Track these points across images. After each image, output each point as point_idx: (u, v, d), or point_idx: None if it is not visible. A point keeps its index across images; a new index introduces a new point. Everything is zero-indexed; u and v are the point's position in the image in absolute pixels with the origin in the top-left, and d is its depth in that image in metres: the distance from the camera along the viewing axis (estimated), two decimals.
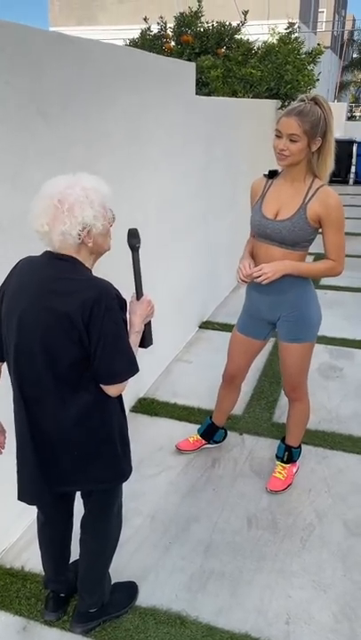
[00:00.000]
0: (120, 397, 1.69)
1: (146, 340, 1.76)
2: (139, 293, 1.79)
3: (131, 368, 1.57)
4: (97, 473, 1.69)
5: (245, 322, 2.60)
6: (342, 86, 28.20)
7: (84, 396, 1.58)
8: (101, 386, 1.57)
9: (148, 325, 1.76)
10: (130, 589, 2.11)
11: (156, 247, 3.45)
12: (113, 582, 2.03)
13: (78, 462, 1.65)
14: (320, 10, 23.93)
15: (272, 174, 2.38)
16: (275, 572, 2.24)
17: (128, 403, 3.37)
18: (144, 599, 2.11)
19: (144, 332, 1.74)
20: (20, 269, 1.60)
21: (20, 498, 1.72)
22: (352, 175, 13.09)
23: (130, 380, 1.59)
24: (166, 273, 3.73)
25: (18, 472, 1.70)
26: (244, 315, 2.61)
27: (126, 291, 1.65)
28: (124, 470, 1.76)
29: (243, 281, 2.33)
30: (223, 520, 2.51)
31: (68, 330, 1.48)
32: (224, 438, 3.03)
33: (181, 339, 4.30)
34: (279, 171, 2.36)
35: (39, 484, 1.66)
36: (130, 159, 2.97)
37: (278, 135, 2.16)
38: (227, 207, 5.04)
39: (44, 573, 2.03)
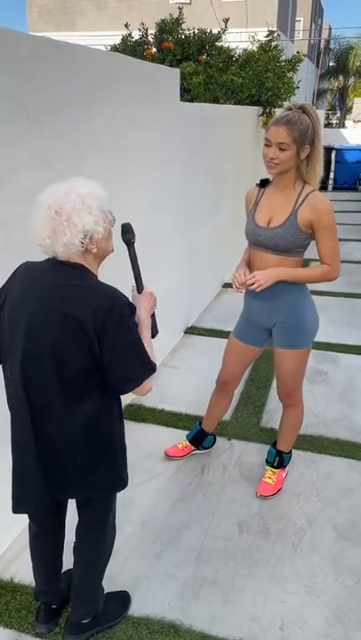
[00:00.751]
0: (120, 404, 1.68)
1: (153, 331, 1.78)
2: (139, 287, 1.80)
3: (146, 369, 1.57)
4: (99, 479, 1.68)
5: (243, 328, 2.60)
6: (319, 94, 28.64)
7: (89, 404, 1.56)
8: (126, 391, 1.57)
9: (152, 316, 1.79)
10: (123, 599, 2.08)
11: (141, 253, 3.44)
12: (105, 592, 2.01)
13: (81, 469, 1.63)
14: (297, 19, 24.31)
15: (264, 183, 2.39)
16: (267, 577, 2.23)
17: None
18: (137, 608, 2.08)
19: (152, 323, 1.78)
20: (20, 274, 1.58)
21: (17, 508, 1.68)
22: (331, 181, 13.29)
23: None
24: (152, 278, 3.70)
25: (15, 480, 1.66)
26: (241, 321, 2.62)
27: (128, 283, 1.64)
28: (123, 476, 1.75)
29: (238, 289, 2.34)
30: (214, 526, 2.50)
31: (78, 334, 1.46)
32: (213, 444, 3.03)
33: (167, 344, 4.29)
34: (270, 179, 2.37)
35: (41, 489, 1.63)
36: (117, 165, 2.96)
37: (268, 144, 2.18)
38: (211, 213, 5.06)
39: (34, 584, 2.00)
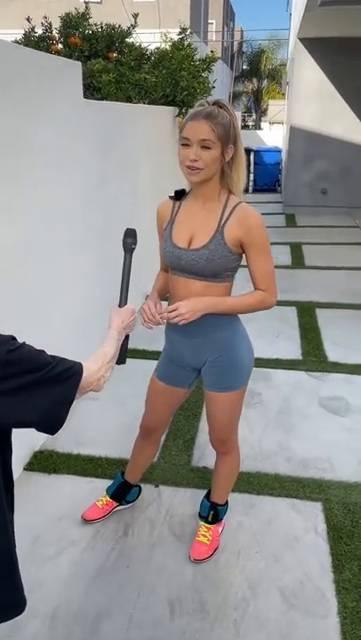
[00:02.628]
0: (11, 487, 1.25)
1: (120, 357, 1.53)
2: (122, 300, 1.67)
3: (68, 386, 1.14)
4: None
5: (166, 368, 2.17)
6: (235, 96, 28.97)
7: None
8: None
9: (125, 340, 1.59)
10: None
11: (46, 268, 2.96)
12: None
13: None
14: (210, 21, 24.38)
15: (179, 195, 1.97)
16: None
17: (21, 459, 2.83)
18: None
19: (121, 346, 1.51)
20: None
21: None
22: (251, 183, 13.26)
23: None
24: (62, 296, 3.25)
25: None
26: (164, 360, 2.18)
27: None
28: (23, 595, 1.30)
29: (147, 325, 1.91)
30: (140, 609, 2.06)
31: None
32: (138, 495, 2.59)
33: None
34: (187, 190, 1.97)
35: None
36: (3, 170, 2.47)
37: (186, 144, 1.76)
38: (128, 220, 4.61)
39: None
